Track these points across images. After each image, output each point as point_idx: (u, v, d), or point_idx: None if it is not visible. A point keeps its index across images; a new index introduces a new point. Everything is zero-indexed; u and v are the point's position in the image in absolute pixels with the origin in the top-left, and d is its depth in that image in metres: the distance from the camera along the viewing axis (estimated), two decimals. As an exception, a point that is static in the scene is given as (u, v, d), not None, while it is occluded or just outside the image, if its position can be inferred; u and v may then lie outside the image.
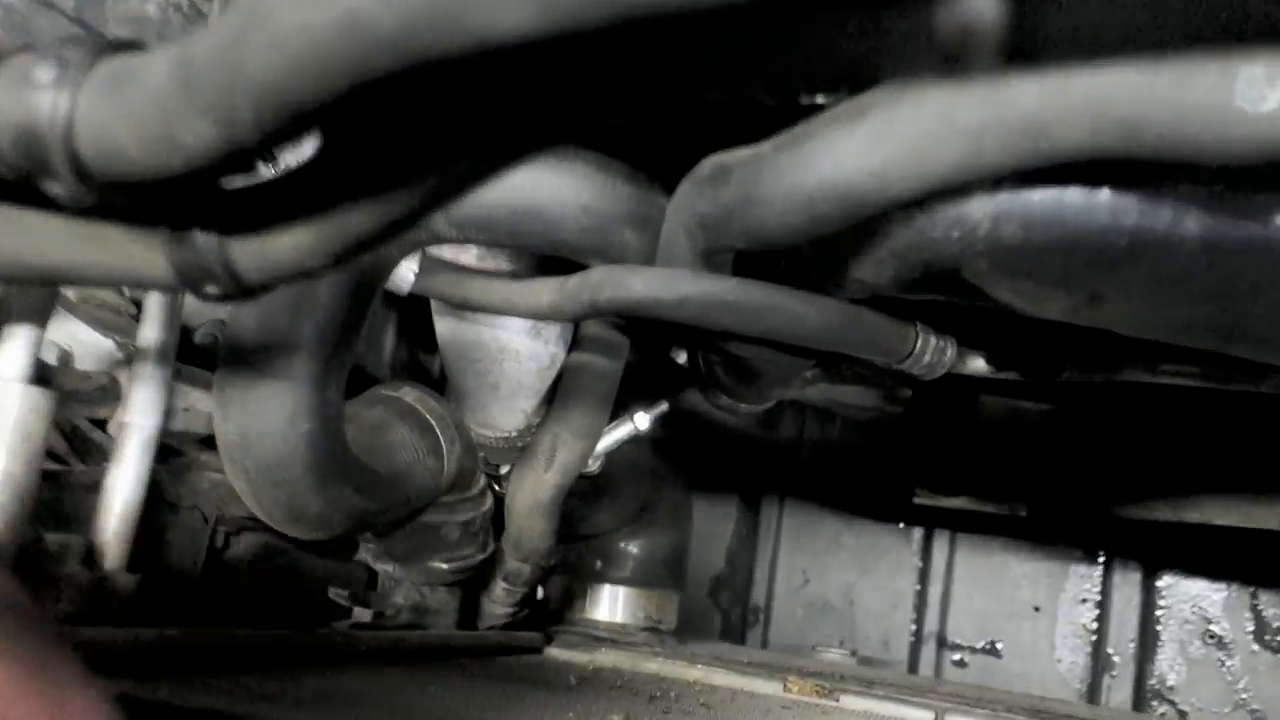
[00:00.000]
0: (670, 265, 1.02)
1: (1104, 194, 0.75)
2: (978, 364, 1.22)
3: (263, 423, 0.98)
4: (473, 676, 1.16)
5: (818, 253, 0.93)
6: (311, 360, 0.99)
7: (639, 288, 0.98)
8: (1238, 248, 0.70)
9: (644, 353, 1.74)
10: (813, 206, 0.78)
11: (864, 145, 0.70)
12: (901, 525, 2.32)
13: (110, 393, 1.03)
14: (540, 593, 1.92)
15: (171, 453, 1.17)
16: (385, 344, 1.53)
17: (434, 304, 1.38)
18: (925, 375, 1.13)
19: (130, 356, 1.03)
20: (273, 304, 0.98)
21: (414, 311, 1.51)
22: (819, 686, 1.50)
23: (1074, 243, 0.76)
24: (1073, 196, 0.76)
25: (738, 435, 1.83)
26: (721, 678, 1.53)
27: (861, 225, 0.84)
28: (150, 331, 1.02)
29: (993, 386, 1.76)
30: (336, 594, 1.18)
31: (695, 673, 1.54)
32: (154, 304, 1.04)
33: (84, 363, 1.05)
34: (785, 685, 1.50)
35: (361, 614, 1.21)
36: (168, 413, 1.08)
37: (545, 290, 1.17)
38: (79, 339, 1.06)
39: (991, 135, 0.61)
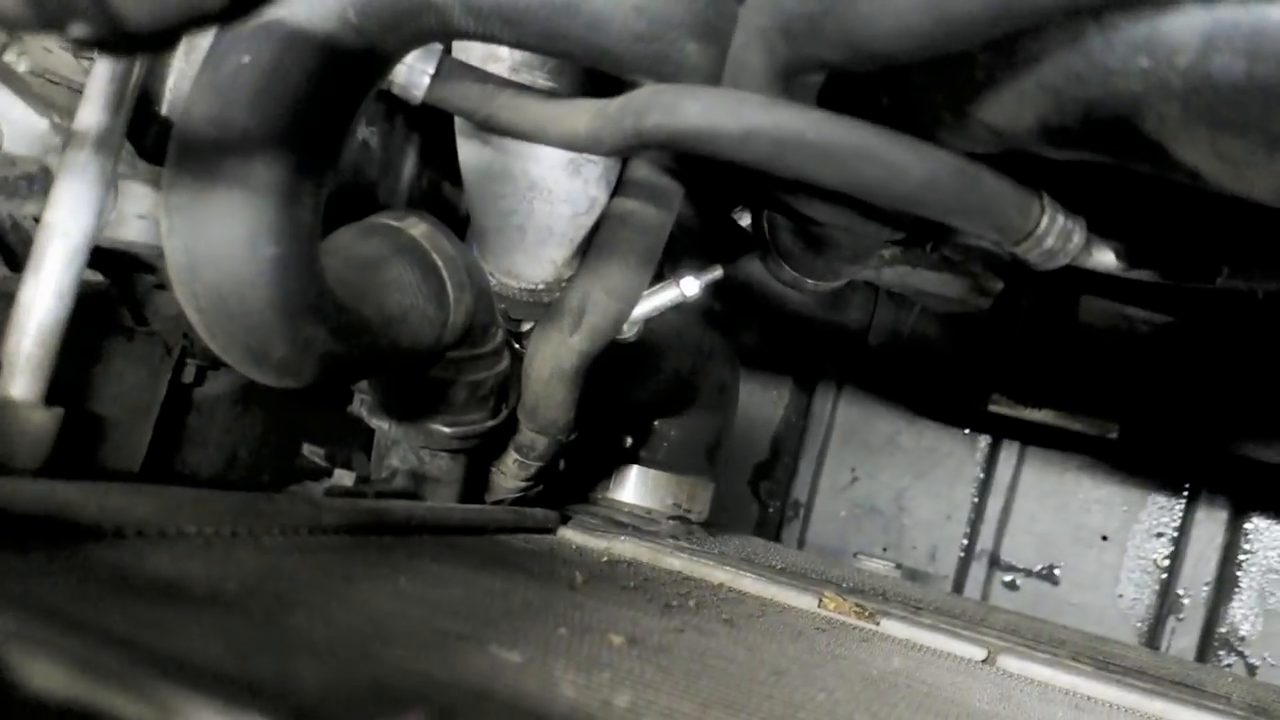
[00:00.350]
0: (740, 88, 0.80)
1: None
2: (1107, 258, 0.98)
3: (215, 242, 0.79)
4: (459, 563, 0.99)
5: (936, 82, 0.70)
6: (278, 165, 0.79)
7: (694, 113, 0.76)
8: None
9: (702, 209, 1.52)
10: (945, 2, 0.55)
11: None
12: (967, 431, 2.11)
13: (40, 184, 0.84)
14: (562, 465, 1.76)
15: (131, 267, 1.00)
16: (404, 170, 1.33)
17: (458, 124, 1.17)
18: (1042, 264, 0.90)
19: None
20: (232, 87, 0.77)
21: (441, 134, 1.30)
22: (858, 606, 1.32)
23: (1319, 86, 0.53)
24: (1329, 18, 0.52)
25: (799, 314, 1.62)
26: (751, 584, 1.36)
27: (1006, 42, 0.61)
28: (90, 112, 0.83)
29: (1098, 286, 1.52)
30: (311, 451, 1.02)
31: (721, 575, 1.37)
32: (98, 77, 0.84)
33: (14, 145, 0.87)
34: (821, 601, 1.33)
35: (343, 476, 1.05)
36: (117, 218, 0.90)
37: (584, 114, 0.96)
38: (9, 117, 0.87)
39: None
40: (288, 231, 0.82)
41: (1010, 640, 1.33)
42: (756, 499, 2.23)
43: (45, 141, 0.86)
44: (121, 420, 0.99)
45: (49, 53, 1.02)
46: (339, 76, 0.82)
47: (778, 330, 1.78)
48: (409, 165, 1.33)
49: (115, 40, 0.48)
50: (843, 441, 2.18)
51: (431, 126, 1.34)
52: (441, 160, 1.37)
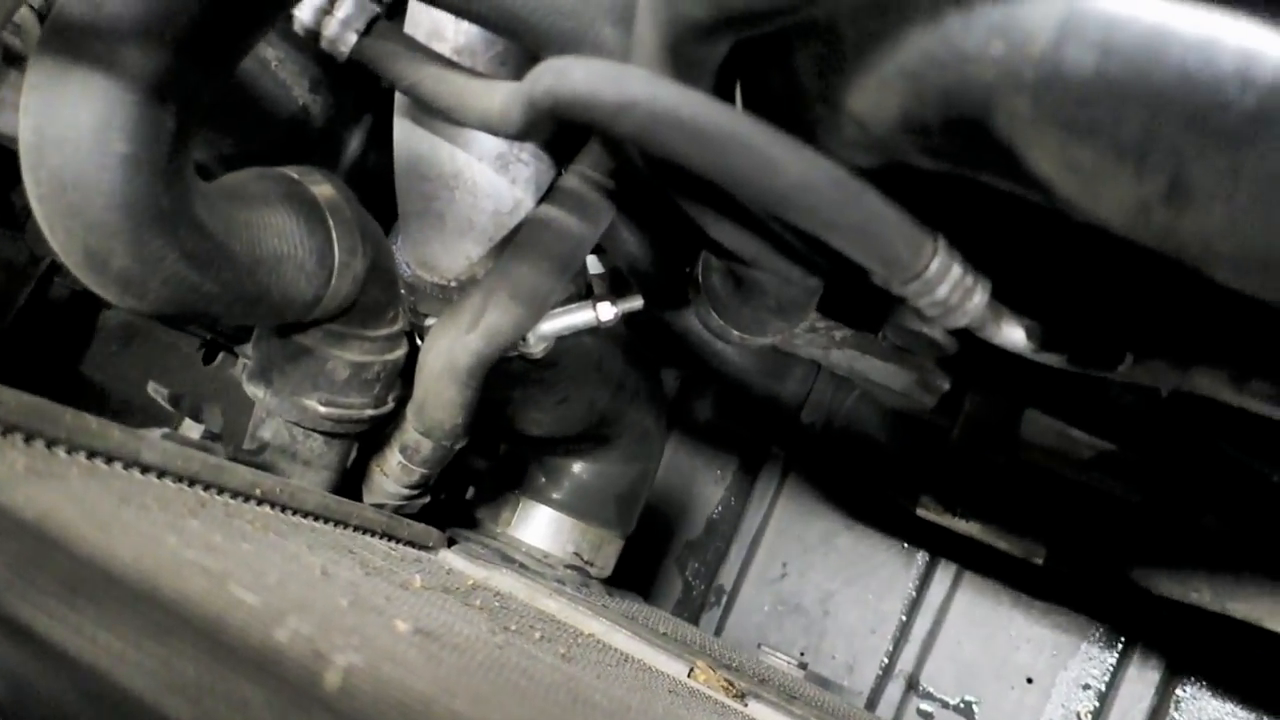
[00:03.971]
0: (636, 65, 0.76)
1: (1239, 24, 0.48)
2: (1015, 335, 0.93)
3: (64, 126, 0.76)
4: (288, 537, 0.92)
5: (809, 65, 0.66)
6: (146, 62, 0.76)
7: (578, 80, 0.73)
8: None
9: (655, 251, 1.49)
10: (793, -56, 0.51)
11: None
12: (905, 544, 2.03)
13: (-90, 49, 0.81)
14: (470, 493, 1.70)
15: (7, 162, 0.96)
16: (347, 147, 1.30)
17: (397, 101, 1.15)
18: (938, 318, 0.85)
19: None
20: (113, -25, 0.75)
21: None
22: (728, 683, 1.24)
23: (1172, 91, 0.48)
24: (1186, 19, 0.48)
25: (738, 379, 1.57)
26: (623, 640, 1.28)
27: (869, 17, 0.57)
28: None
29: (1045, 400, 1.47)
30: (155, 390, 0.96)
31: (595, 626, 1.29)
32: (-4, -44, 0.82)
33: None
34: (691, 670, 1.25)
35: (190, 428, 0.99)
36: (-6, 105, 0.87)
37: (500, 93, 0.93)
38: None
39: None
40: (145, 134, 0.78)
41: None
42: (681, 577, 2.15)
43: (-69, 9, 0.84)
44: (-33, 318, 0.94)
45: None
46: (233, -12, 0.79)
47: (718, 396, 1.73)
48: (353, 143, 1.30)
49: None
50: (778, 532, 2.10)
51: (385, 112, 1.32)
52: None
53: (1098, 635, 1.90)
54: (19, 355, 0.99)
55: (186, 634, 0.48)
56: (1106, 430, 1.45)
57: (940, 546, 1.99)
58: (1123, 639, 1.89)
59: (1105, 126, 0.50)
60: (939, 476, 1.57)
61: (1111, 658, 1.89)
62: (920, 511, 1.58)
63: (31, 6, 0.98)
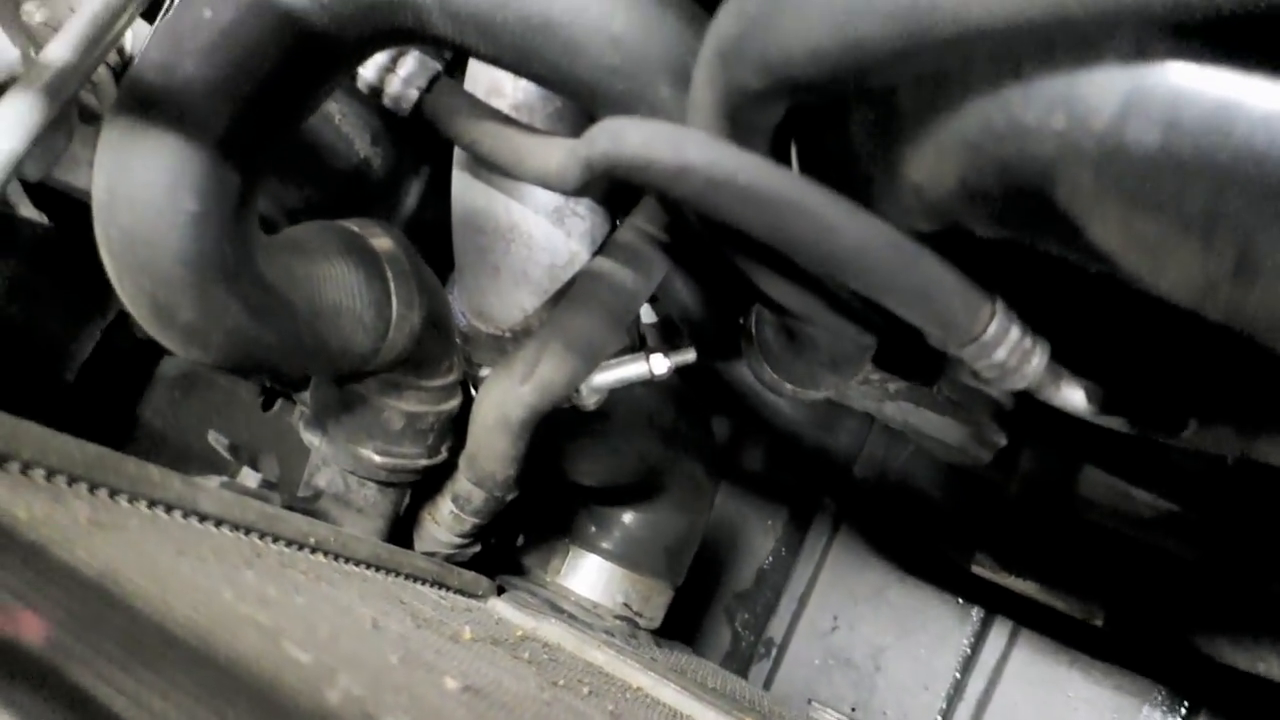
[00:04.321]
0: (693, 126, 0.77)
1: (1311, 98, 0.47)
2: (1075, 397, 0.91)
3: (135, 184, 0.78)
4: (339, 586, 0.93)
5: (866, 131, 0.66)
6: (215, 123, 0.78)
7: (635, 142, 0.74)
8: None
9: (708, 302, 1.49)
10: (852, 19, 0.51)
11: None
12: (960, 600, 1.99)
13: (-9, 107, 0.84)
14: (521, 540, 1.70)
15: (78, 215, 0.99)
16: (406, 199, 1.32)
17: (455, 155, 1.17)
18: (996, 380, 0.84)
19: (32, 74, 0.84)
20: (187, 37, 0.77)
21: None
22: (777, 740, 1.22)
23: (1239, 167, 0.48)
24: (1254, 93, 0.48)
25: (790, 430, 1.56)
26: (671, 695, 1.27)
27: (928, 87, 0.57)
28: (56, 47, 0.83)
29: (1104, 458, 1.44)
30: (216, 439, 0.98)
31: (644, 679, 1.28)
32: (78, 17, 0.84)
33: (-17, 71, 0.88)
34: (739, 726, 1.23)
35: (248, 476, 1.01)
36: (70, 160, 0.90)
37: (558, 150, 0.94)
38: (-13, 43, 0.88)
39: None
40: (212, 191, 0.80)
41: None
42: (730, 627, 2.12)
43: (12, 69, 0.87)
44: (38, 365, 0.96)
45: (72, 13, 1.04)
46: (298, 52, 0.81)
47: (769, 447, 1.72)
48: (412, 196, 1.32)
49: None
50: (830, 585, 2.07)
51: (444, 165, 1.34)
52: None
53: (1160, 699, 1.85)
54: (83, 404, 1.01)
55: (241, 698, 0.49)
56: (1169, 490, 1.42)
57: (996, 603, 1.95)
58: (1186, 703, 1.83)
59: (1170, 201, 0.50)
60: (995, 533, 1.54)
61: (1174, 723, 1.83)
62: (975, 569, 1.55)
63: (108, 65, 1.02)
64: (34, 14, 1.04)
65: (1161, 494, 1.44)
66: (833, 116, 0.70)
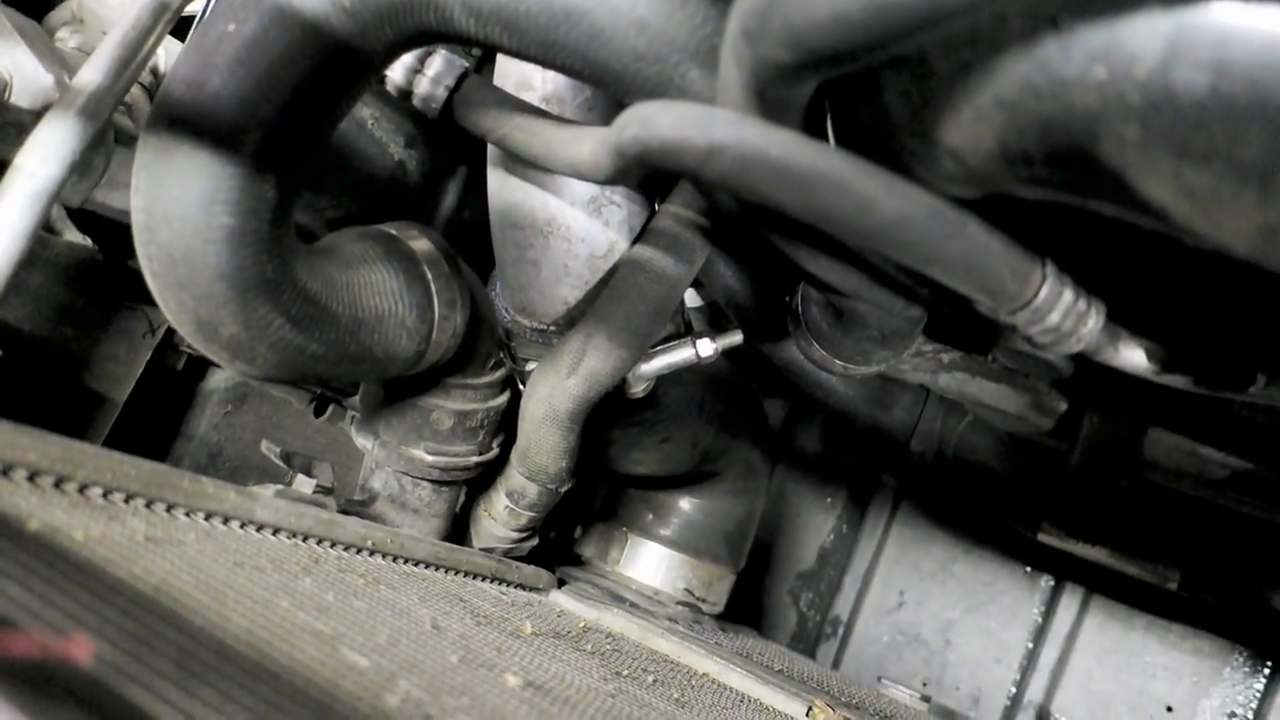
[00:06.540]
0: (722, 106, 0.76)
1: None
2: (1135, 357, 0.89)
3: (172, 203, 0.78)
4: (399, 589, 0.93)
5: (900, 101, 0.64)
6: (247, 138, 0.78)
7: (665, 125, 0.72)
8: None
9: (754, 284, 1.47)
10: (876, -16, 0.50)
11: None
12: (1028, 569, 1.96)
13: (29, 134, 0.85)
14: (579, 531, 1.70)
15: (120, 237, 1.00)
16: (444, 200, 1.32)
17: (489, 153, 1.16)
18: (1051, 345, 0.82)
19: (66, 99, 0.85)
20: (214, 52, 0.77)
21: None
22: (848, 721, 1.21)
23: (1294, 108, 0.45)
24: (1308, 29, 0.45)
25: (844, 409, 1.54)
26: (738, 679, 1.26)
27: (960, 48, 0.55)
28: (90, 72, 0.84)
29: (1169, 418, 1.40)
30: (269, 449, 0.98)
31: (709, 665, 1.27)
32: (108, 41, 0.85)
33: (20, 97, 0.89)
34: (810, 710, 1.22)
35: (303, 483, 1.01)
36: (109, 183, 0.91)
37: (589, 139, 0.94)
38: (22, 70, 0.89)
39: None
40: (248, 206, 0.80)
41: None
42: (796, 608, 2.11)
43: (48, 96, 0.88)
44: (91, 388, 0.98)
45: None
46: (324, 60, 0.80)
47: (824, 426, 1.70)
48: (450, 196, 1.32)
49: None
50: (894, 561, 2.05)
51: (479, 163, 1.34)
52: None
53: (1241, 660, 1.80)
54: (137, 423, 1.03)
55: (299, 708, 0.49)
56: (1239, 448, 1.38)
57: (1065, 570, 1.91)
58: (1269, 664, 1.78)
59: (1223, 149, 0.47)
60: (1059, 501, 1.51)
61: (1258, 684, 1.78)
62: (1041, 537, 1.52)
63: (142, 85, 1.03)
64: (67, 40, 1.05)
65: (1231, 452, 1.40)
66: (865, 88, 0.68)
